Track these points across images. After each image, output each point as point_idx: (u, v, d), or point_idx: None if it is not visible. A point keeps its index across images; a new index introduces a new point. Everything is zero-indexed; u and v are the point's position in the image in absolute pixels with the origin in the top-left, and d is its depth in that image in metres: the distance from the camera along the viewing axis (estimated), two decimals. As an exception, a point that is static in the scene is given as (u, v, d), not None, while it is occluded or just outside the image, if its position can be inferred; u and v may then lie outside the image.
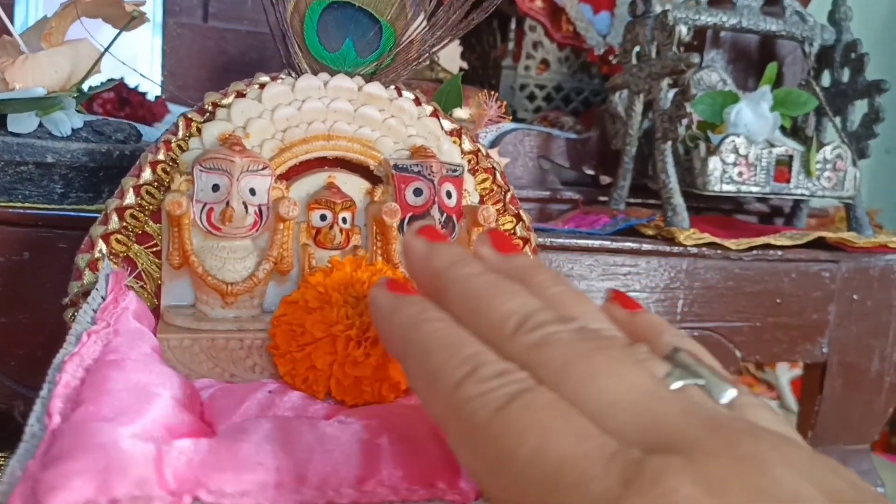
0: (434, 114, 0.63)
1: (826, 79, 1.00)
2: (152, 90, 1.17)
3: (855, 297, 0.90)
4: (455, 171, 0.59)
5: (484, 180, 0.65)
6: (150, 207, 0.57)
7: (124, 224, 0.56)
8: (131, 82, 1.11)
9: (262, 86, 0.59)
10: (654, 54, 0.88)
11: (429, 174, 0.58)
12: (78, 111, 0.69)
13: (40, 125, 0.65)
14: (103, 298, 0.51)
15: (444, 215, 0.58)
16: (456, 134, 0.64)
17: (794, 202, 1.05)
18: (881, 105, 0.91)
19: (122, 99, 1.10)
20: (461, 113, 0.86)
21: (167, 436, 0.39)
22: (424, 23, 0.63)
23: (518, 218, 0.66)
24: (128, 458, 0.34)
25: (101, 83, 0.94)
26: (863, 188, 0.94)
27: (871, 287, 0.90)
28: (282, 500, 0.36)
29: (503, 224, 0.66)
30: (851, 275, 0.90)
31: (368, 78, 0.61)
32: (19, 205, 0.63)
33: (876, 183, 1.95)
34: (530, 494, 0.28)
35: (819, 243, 0.88)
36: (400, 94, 0.62)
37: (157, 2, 1.24)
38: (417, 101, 0.62)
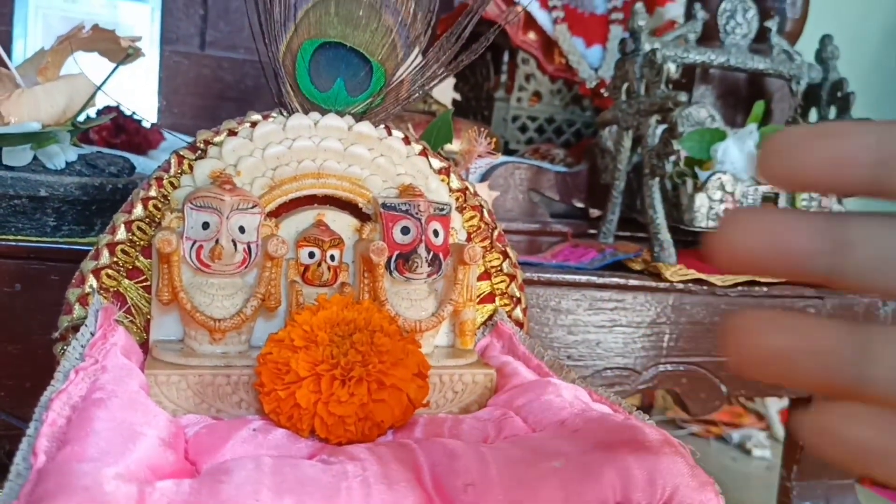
0: (423, 152, 0.64)
1: (813, 116, 1.01)
2: (148, 118, 1.18)
3: (840, 333, 0.91)
4: (442, 209, 0.60)
5: (471, 218, 0.66)
6: (141, 243, 0.58)
7: (115, 259, 0.57)
8: (127, 109, 1.12)
9: (254, 124, 0.60)
10: (642, 91, 0.90)
11: (416, 213, 0.58)
12: (73, 144, 0.70)
13: (35, 158, 0.66)
14: (92, 334, 0.52)
15: (431, 253, 0.59)
16: (444, 172, 0.65)
17: (782, 237, 1.06)
18: (866, 144, 0.92)
19: (118, 126, 1.11)
20: (452, 147, 0.87)
21: (151, 476, 0.39)
22: (417, 61, 0.64)
23: (505, 255, 0.67)
24: (111, 500, 0.35)
25: (97, 112, 0.95)
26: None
27: (856, 323, 0.91)
28: (261, 544, 0.36)
29: (490, 261, 0.67)
30: (836, 311, 0.91)
31: (359, 117, 0.62)
32: (12, 237, 0.64)
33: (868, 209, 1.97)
34: None
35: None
36: (389, 133, 0.63)
37: (154, 30, 1.26)
38: (407, 140, 0.63)
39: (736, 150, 0.88)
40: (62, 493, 0.35)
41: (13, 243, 0.63)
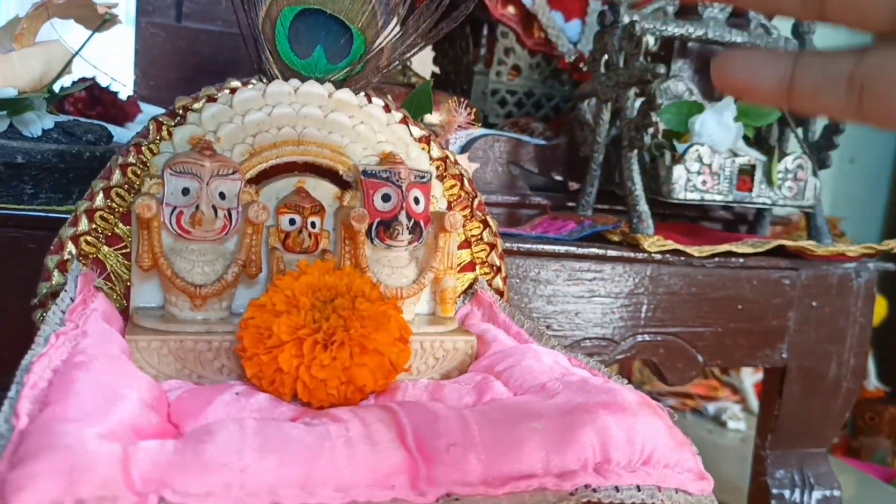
0: (403, 120, 0.64)
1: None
2: (124, 90, 1.17)
3: (814, 303, 0.93)
4: (423, 177, 0.60)
5: (452, 186, 0.66)
6: (120, 210, 0.57)
7: (94, 226, 0.57)
8: (103, 81, 1.11)
9: (233, 90, 0.59)
10: (621, 64, 0.90)
11: (397, 180, 0.59)
12: (49, 112, 0.70)
13: (10, 126, 0.65)
14: (72, 300, 0.52)
15: (412, 221, 0.59)
16: (425, 140, 0.65)
17: (757, 210, 1.07)
18: (842, 117, 0.93)
19: (94, 98, 1.10)
20: (432, 118, 0.87)
21: (133, 437, 0.39)
22: (396, 30, 0.64)
23: (485, 224, 0.67)
24: (94, 459, 0.35)
25: (73, 83, 0.94)
26: (827, 196, 0.96)
27: (829, 294, 0.93)
28: (245, 501, 0.37)
29: (471, 229, 0.67)
30: (810, 282, 0.92)
31: (339, 84, 0.62)
32: (-12, 205, 0.63)
33: (839, 191, 1.99)
34: None
35: (780, 251, 0.90)
36: (370, 101, 0.63)
37: (130, 1, 1.24)
38: (387, 108, 0.63)
39: (713, 123, 0.89)
40: (44, 452, 0.35)
41: (-10, 211, 0.63)
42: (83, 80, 1.00)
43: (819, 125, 0.98)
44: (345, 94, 0.61)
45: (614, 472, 0.44)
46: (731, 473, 1.32)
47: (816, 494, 0.96)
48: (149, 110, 1.10)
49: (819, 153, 0.96)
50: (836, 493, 0.98)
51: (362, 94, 0.62)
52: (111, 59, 1.24)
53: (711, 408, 1.59)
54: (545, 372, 0.53)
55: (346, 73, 0.63)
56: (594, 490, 0.43)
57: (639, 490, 0.43)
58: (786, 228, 1.19)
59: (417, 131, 0.64)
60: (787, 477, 0.96)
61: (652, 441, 0.45)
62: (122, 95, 1.12)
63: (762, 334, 0.91)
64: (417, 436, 0.43)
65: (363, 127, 0.61)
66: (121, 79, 1.25)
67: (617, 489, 0.43)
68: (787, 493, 0.96)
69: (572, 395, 0.49)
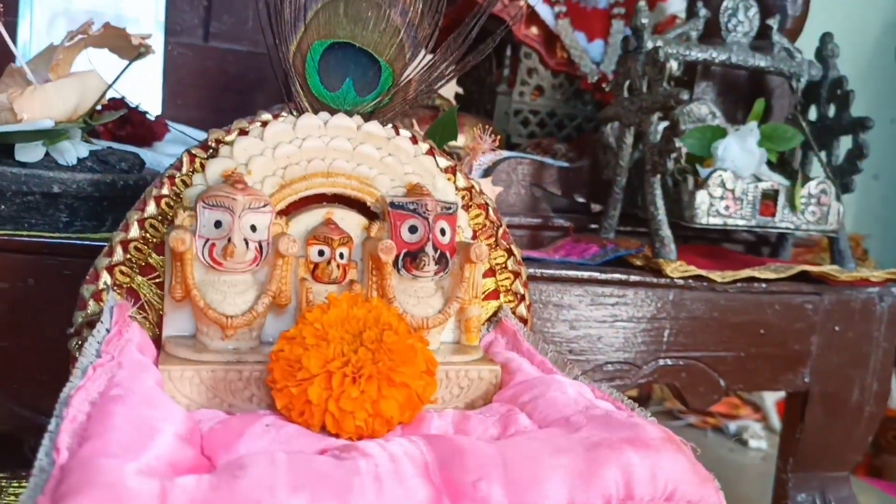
0: (430, 152, 0.65)
1: (813, 113, 1.03)
2: (152, 109, 1.19)
3: (836, 328, 0.93)
4: (449, 208, 0.61)
5: (477, 216, 0.67)
6: (154, 240, 0.59)
7: (128, 256, 0.58)
8: (132, 101, 1.13)
9: (265, 123, 0.61)
10: (644, 89, 0.91)
11: (424, 212, 0.60)
12: (83, 139, 0.71)
13: (47, 154, 0.67)
14: (108, 331, 0.53)
15: (438, 252, 0.60)
16: (451, 171, 0.66)
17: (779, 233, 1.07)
18: (865, 142, 0.94)
19: (124, 118, 1.12)
20: (456, 142, 0.88)
21: (170, 472, 0.41)
22: (424, 62, 0.65)
23: (509, 252, 0.68)
24: (134, 496, 0.36)
25: (101, 107, 0.96)
26: (850, 213, 0.96)
27: (852, 319, 0.93)
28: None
29: (495, 258, 0.68)
30: (833, 307, 0.92)
31: (367, 116, 0.63)
32: (25, 233, 0.65)
33: (863, 208, 1.99)
34: None
35: (802, 275, 0.91)
36: (397, 133, 0.64)
37: (158, 22, 1.26)
38: (414, 140, 0.64)
39: (736, 148, 0.89)
40: (86, 488, 0.36)
41: (27, 239, 0.64)
42: (113, 101, 1.02)
43: (843, 148, 0.99)
44: (373, 126, 0.62)
45: (638, 509, 0.45)
46: (752, 492, 1.32)
47: (838, 518, 0.96)
48: (177, 129, 1.11)
49: (843, 177, 0.96)
50: (859, 516, 0.97)
51: (390, 125, 0.64)
52: (140, 78, 1.26)
53: (733, 426, 1.59)
54: (569, 405, 0.53)
55: (374, 104, 0.64)
56: (618, 526, 0.43)
57: (662, 527, 0.44)
58: (809, 250, 1.19)
59: (444, 162, 0.65)
60: (808, 500, 0.96)
61: (675, 477, 0.46)
62: (151, 114, 1.14)
63: (784, 359, 0.91)
64: (444, 471, 0.44)
65: (391, 159, 0.62)
66: (149, 97, 1.27)
67: (640, 526, 0.44)
68: (808, 516, 0.96)
69: (596, 429, 0.49)
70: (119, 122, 1.11)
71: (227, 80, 1.30)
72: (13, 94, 0.66)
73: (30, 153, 0.66)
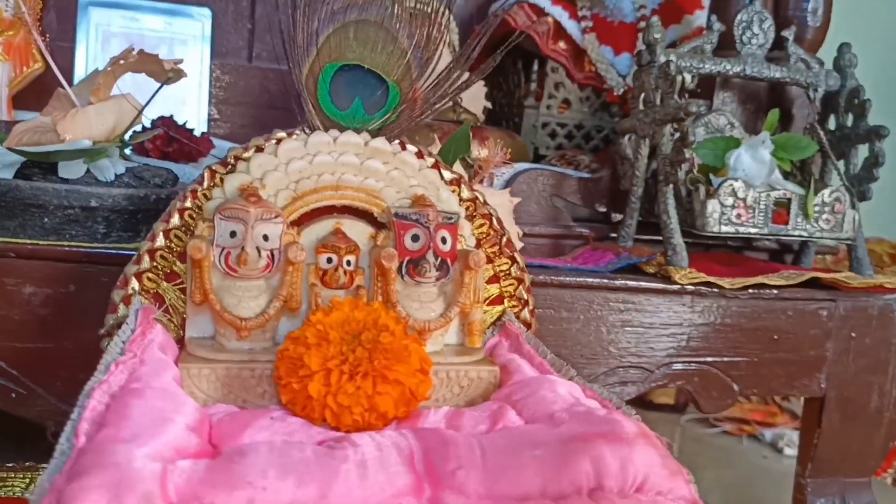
0: (435, 165, 0.69)
1: (832, 123, 1.04)
2: (200, 126, 1.25)
3: (853, 334, 0.94)
4: (450, 218, 0.65)
5: (481, 225, 0.71)
6: (178, 249, 0.64)
7: (155, 264, 0.64)
8: (179, 119, 1.20)
9: (279, 141, 0.66)
10: (658, 101, 0.94)
11: (425, 222, 0.64)
12: (127, 154, 0.78)
13: (87, 171, 0.73)
14: (133, 331, 0.58)
15: (439, 259, 0.64)
16: (455, 183, 0.70)
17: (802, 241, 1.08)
18: (881, 150, 0.95)
19: (171, 135, 1.19)
20: (479, 153, 0.93)
21: (175, 456, 0.45)
22: (429, 82, 0.69)
23: (513, 260, 0.72)
24: (137, 475, 0.41)
25: (152, 122, 1.03)
26: (883, 215, 0.96)
27: (869, 325, 0.94)
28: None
29: (499, 265, 0.72)
30: (849, 313, 0.93)
31: (375, 133, 0.68)
32: (67, 244, 0.71)
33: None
34: None
35: (816, 282, 0.92)
36: (403, 148, 0.68)
37: (205, 44, 1.33)
38: (420, 154, 0.69)
39: (748, 158, 0.91)
40: (96, 468, 0.41)
41: (68, 249, 0.71)
42: (161, 119, 1.09)
43: (860, 157, 1.00)
44: (380, 142, 0.67)
45: (607, 498, 0.48)
46: (784, 500, 1.32)
47: (859, 524, 0.96)
48: (222, 145, 1.17)
49: (860, 185, 0.97)
50: (880, 523, 0.98)
51: (397, 141, 0.68)
52: (188, 97, 1.33)
53: (769, 434, 1.59)
54: (557, 402, 0.57)
55: (381, 122, 0.69)
56: (587, 513, 0.47)
57: (629, 514, 0.47)
58: (836, 258, 1.20)
59: (448, 174, 0.69)
60: (828, 505, 0.97)
61: (645, 469, 0.49)
62: (198, 131, 1.20)
63: (799, 364, 0.93)
64: (427, 460, 0.48)
65: (397, 172, 0.67)
66: (197, 114, 1.34)
67: (609, 513, 0.47)
68: (828, 521, 0.97)
69: (576, 424, 0.53)
70: (167, 140, 1.18)
71: (270, 98, 1.37)
72: (56, 117, 0.72)
73: (72, 170, 0.72)
